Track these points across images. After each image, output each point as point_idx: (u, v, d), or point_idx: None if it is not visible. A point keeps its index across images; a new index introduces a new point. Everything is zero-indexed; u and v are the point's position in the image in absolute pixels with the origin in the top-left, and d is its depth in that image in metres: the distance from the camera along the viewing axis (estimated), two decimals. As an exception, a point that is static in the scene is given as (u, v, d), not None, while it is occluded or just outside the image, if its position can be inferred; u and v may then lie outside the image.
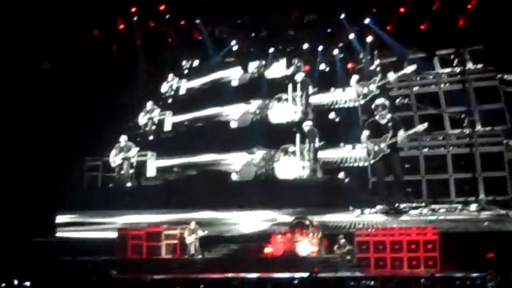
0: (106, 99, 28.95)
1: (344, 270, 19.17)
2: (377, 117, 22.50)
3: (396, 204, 22.30)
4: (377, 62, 26.99)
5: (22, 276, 17.66)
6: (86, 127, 28.08)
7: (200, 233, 22.07)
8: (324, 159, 26.36)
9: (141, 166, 28.72)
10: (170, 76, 33.38)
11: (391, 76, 25.76)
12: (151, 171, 29.05)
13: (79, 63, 29.05)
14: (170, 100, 32.87)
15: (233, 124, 30.55)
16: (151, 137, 30.48)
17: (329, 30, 29.80)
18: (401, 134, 21.94)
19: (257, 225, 23.84)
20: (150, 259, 22.21)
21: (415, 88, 25.83)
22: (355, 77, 27.34)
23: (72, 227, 26.21)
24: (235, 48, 32.16)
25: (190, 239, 22.07)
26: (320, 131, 26.25)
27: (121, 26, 30.88)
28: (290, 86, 29.24)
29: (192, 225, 22.20)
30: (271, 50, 31.35)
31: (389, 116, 22.39)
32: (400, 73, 25.59)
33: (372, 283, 14.51)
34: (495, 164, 22.60)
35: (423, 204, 22.75)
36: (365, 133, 22.63)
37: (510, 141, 23.06)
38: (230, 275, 18.59)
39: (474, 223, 20.50)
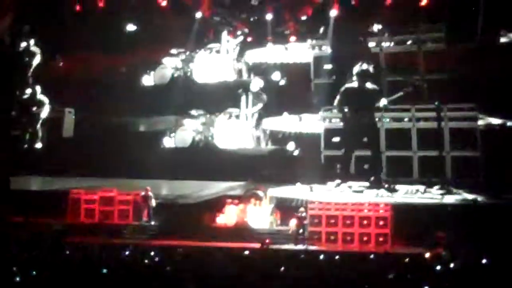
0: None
1: (295, 243, 19.09)
2: (356, 84, 21.20)
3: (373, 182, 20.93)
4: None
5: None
6: None
7: (154, 201, 21.57)
8: (270, 128, 24.54)
9: (55, 125, 25.40)
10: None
11: None
12: (67, 131, 25.71)
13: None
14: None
15: (147, 81, 26.21)
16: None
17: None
18: (383, 102, 20.89)
19: (205, 195, 22.46)
20: (102, 223, 21.62)
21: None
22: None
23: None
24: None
25: (144, 205, 21.69)
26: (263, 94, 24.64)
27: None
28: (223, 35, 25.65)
29: (146, 191, 21.67)
30: None
31: (371, 84, 21.06)
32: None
33: (322, 257, 14.58)
34: (466, 142, 21.15)
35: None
36: (340, 99, 21.34)
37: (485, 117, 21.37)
38: (180, 243, 18.38)
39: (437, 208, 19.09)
